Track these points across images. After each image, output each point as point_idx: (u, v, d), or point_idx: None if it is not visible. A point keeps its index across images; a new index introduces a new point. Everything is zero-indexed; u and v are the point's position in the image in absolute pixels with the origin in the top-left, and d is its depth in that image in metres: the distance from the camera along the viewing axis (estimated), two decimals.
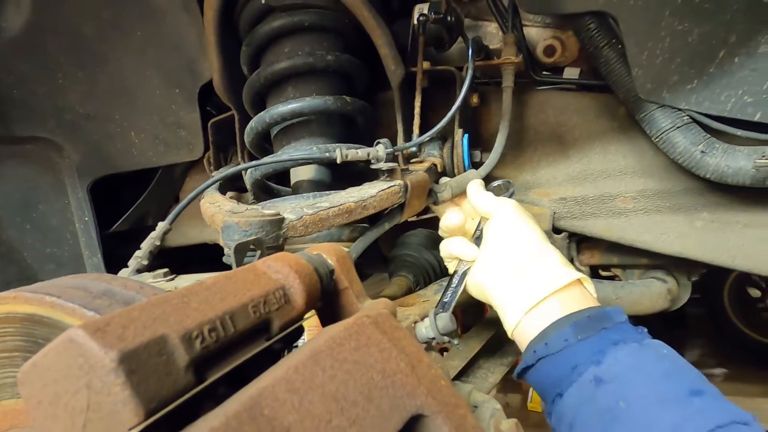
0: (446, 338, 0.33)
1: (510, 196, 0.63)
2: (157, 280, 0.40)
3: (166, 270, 0.41)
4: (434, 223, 1.00)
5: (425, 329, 0.33)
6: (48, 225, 1.00)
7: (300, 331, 0.30)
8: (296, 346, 0.29)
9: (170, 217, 0.50)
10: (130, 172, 1.05)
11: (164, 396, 0.19)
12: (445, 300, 0.51)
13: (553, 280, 0.51)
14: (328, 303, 0.35)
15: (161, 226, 0.49)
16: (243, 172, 0.78)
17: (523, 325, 0.51)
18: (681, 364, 0.45)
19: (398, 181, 0.61)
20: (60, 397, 0.18)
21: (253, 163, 0.62)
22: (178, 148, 1.01)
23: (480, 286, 0.55)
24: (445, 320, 0.33)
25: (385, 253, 1.09)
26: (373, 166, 0.61)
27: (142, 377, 0.19)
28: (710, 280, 2.58)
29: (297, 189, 0.79)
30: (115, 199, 1.12)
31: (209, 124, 0.94)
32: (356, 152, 0.58)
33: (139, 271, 0.46)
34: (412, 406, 0.24)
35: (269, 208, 0.55)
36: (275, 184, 0.88)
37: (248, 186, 0.79)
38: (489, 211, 0.59)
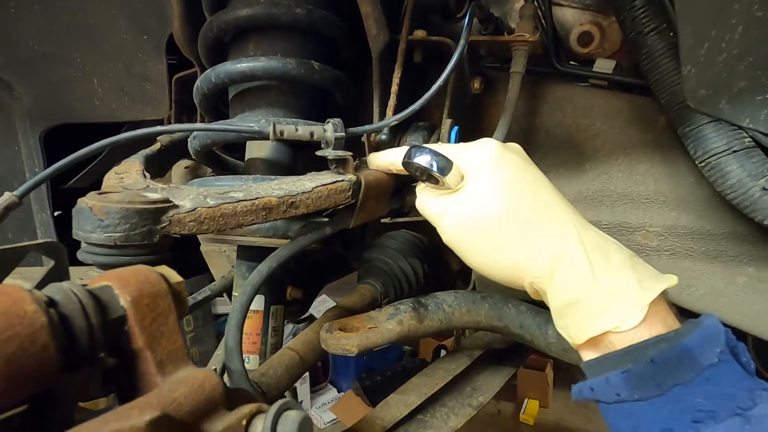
0: None
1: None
2: None
3: None
4: (422, 226, 0.87)
5: None
6: None
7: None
8: None
9: (23, 188, 0.38)
10: (95, 125, 0.95)
11: None
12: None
13: (642, 283, 0.35)
14: (124, 364, 0.22)
15: (6, 196, 0.37)
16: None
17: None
18: None
19: (348, 176, 0.47)
20: None
21: (164, 128, 0.49)
22: (144, 104, 0.89)
23: (480, 233, 0.40)
24: (291, 425, 0.20)
25: None
26: (318, 153, 0.47)
27: None
28: None
29: (249, 167, 0.66)
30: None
31: (173, 80, 0.82)
32: (294, 129, 0.45)
33: None
34: None
35: (167, 191, 0.42)
36: (231, 158, 0.75)
37: (192, 155, 0.67)
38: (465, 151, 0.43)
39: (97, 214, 0.34)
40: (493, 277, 0.42)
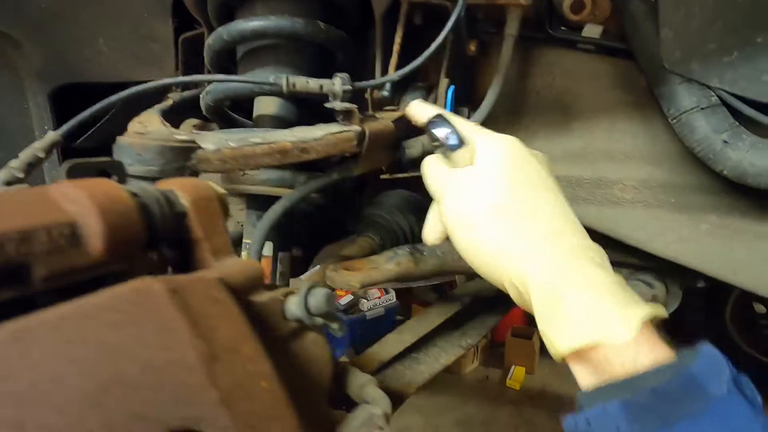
0: (319, 320, 0.26)
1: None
2: None
3: None
4: (419, 184, 0.92)
5: (294, 306, 0.26)
6: (3, 127, 0.94)
7: (101, 286, 0.22)
8: None
9: (64, 127, 0.42)
10: (106, 86, 0.97)
11: None
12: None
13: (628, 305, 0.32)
14: (183, 255, 0.27)
15: (50, 136, 0.41)
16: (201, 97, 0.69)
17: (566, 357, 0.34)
18: None
19: (354, 127, 0.52)
20: None
21: (179, 79, 0.53)
22: (149, 64, 0.92)
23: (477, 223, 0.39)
24: (319, 297, 0.25)
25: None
26: (327, 105, 0.52)
27: None
28: (714, 290, 2.45)
29: (257, 124, 0.70)
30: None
31: (180, 40, 0.84)
32: (306, 82, 0.49)
33: (9, 183, 0.39)
34: (177, 418, 0.16)
35: (191, 135, 0.46)
36: (241, 117, 0.79)
37: (204, 111, 0.71)
38: (479, 138, 0.42)
39: (136, 150, 0.39)
40: (476, 266, 0.41)
